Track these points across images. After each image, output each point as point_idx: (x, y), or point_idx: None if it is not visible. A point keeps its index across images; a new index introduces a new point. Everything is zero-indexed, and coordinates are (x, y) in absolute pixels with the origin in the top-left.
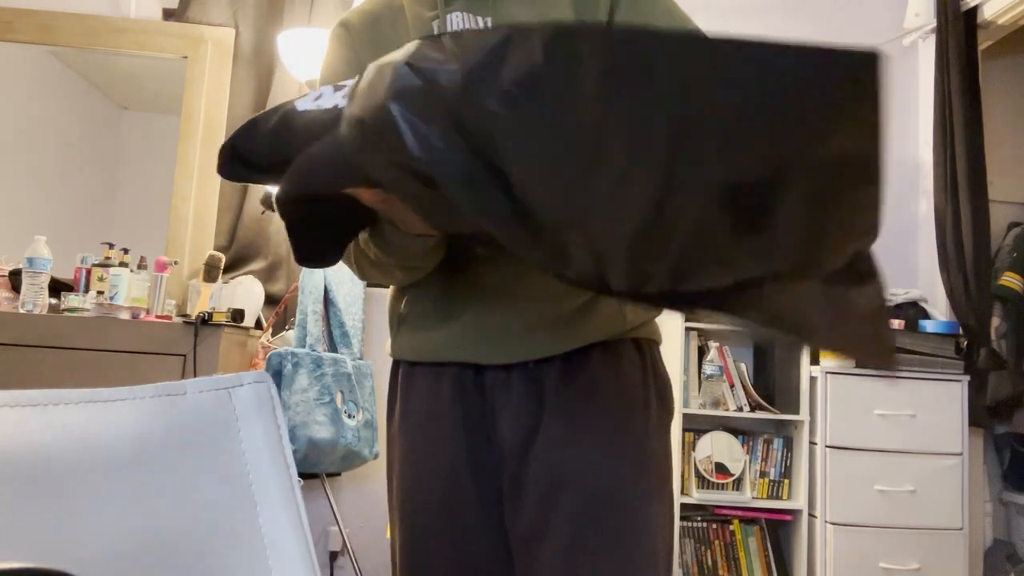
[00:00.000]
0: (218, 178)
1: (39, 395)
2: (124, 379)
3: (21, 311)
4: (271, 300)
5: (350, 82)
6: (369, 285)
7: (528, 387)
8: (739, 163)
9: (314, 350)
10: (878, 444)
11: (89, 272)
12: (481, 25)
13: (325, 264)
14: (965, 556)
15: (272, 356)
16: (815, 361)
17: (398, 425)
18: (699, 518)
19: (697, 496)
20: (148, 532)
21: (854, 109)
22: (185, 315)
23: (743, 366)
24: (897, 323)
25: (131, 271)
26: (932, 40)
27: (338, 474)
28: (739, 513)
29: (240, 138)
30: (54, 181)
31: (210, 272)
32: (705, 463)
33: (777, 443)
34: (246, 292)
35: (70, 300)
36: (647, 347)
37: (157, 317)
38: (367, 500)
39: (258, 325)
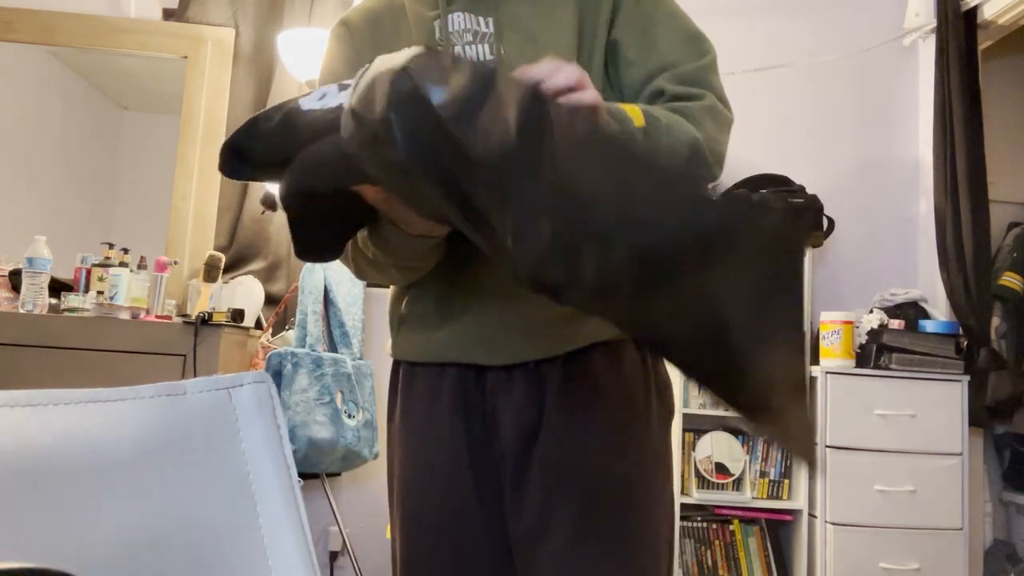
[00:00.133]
0: (218, 178)
1: (39, 395)
2: (124, 379)
3: (21, 311)
4: (271, 300)
5: (353, 81)
6: (369, 285)
7: (529, 387)
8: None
9: (314, 350)
10: (878, 444)
11: (89, 272)
12: (482, 25)
13: (325, 259)
14: (965, 556)
15: (272, 356)
16: (815, 361)
17: (399, 425)
18: (699, 518)
19: (697, 496)
20: (148, 532)
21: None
22: (185, 315)
23: None
24: (897, 323)
25: (131, 271)
26: (932, 40)
27: (338, 474)
28: (739, 513)
29: (242, 136)
30: (54, 181)
31: (210, 272)
32: (705, 463)
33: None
34: (246, 292)
35: (70, 300)
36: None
37: (157, 317)
38: (367, 500)
39: (258, 325)
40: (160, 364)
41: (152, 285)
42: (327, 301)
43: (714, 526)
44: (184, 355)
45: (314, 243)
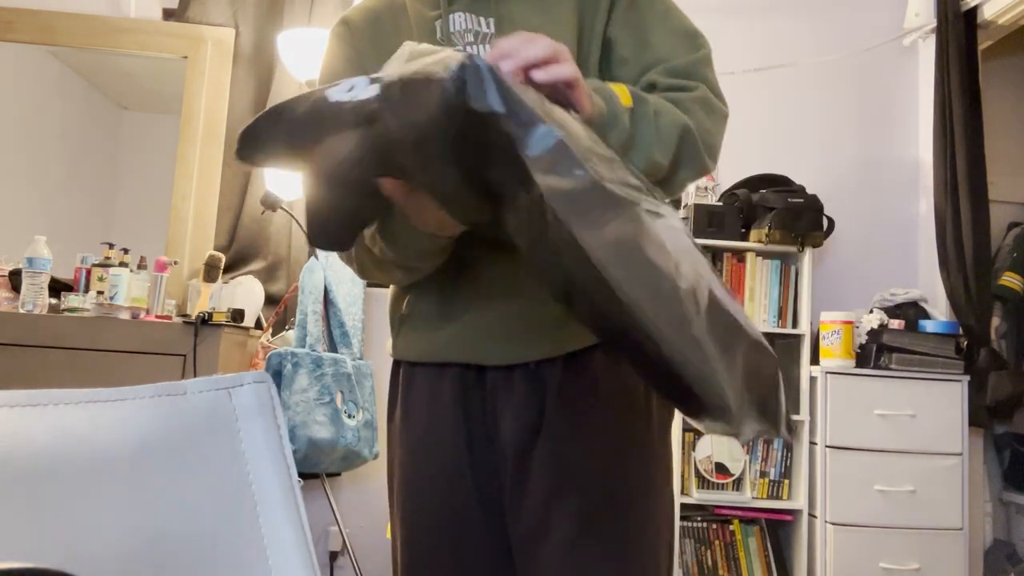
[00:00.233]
0: (218, 178)
1: (39, 395)
2: (124, 379)
3: (21, 311)
4: (271, 300)
5: (383, 75)
6: (369, 285)
7: (530, 388)
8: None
9: (314, 350)
10: (878, 444)
11: (89, 272)
12: (483, 25)
13: (337, 248)
14: (965, 556)
15: (272, 356)
16: (815, 361)
17: (399, 425)
18: (699, 518)
19: (697, 496)
20: (148, 532)
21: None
22: (185, 315)
23: None
24: (897, 323)
25: (131, 271)
26: (932, 40)
27: (338, 474)
28: (739, 513)
29: (264, 122)
30: (54, 181)
31: (210, 272)
32: (705, 463)
33: (777, 443)
34: (246, 292)
35: (70, 300)
36: None
37: (157, 317)
38: (367, 500)
39: (258, 325)
40: (160, 364)
41: (152, 285)
42: (327, 301)
43: (714, 526)
44: (184, 355)
45: (328, 232)
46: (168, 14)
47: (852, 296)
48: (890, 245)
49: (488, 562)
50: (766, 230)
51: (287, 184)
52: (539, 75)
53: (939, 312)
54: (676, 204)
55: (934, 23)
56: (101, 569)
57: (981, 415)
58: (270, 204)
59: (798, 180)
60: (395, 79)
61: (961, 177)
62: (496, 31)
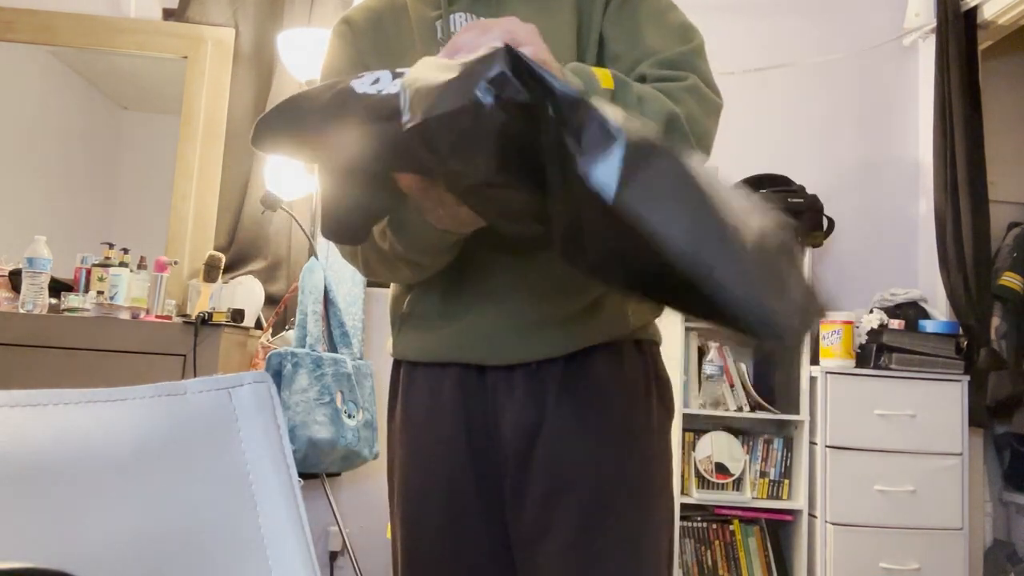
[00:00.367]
0: (218, 178)
1: (39, 395)
2: (124, 379)
3: (21, 311)
4: (271, 300)
5: (408, 70)
6: (370, 284)
7: (530, 388)
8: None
9: (314, 350)
10: (878, 444)
11: (89, 272)
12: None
13: (351, 241)
14: (965, 556)
15: (272, 356)
16: (815, 361)
17: (399, 425)
18: (699, 518)
19: (697, 496)
20: (148, 532)
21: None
22: (185, 315)
23: (743, 366)
24: (897, 323)
25: (131, 271)
26: (932, 40)
27: (338, 474)
28: (739, 513)
29: (284, 110)
30: (54, 181)
31: (210, 272)
32: (705, 463)
33: (777, 443)
34: (246, 292)
35: (70, 300)
36: (648, 348)
37: (157, 317)
38: (367, 500)
39: (258, 325)
40: (160, 364)
41: (152, 285)
42: (327, 301)
43: (714, 526)
44: (184, 355)
45: (341, 225)
46: (168, 14)
47: (852, 296)
48: (890, 245)
49: (488, 562)
50: None
51: (287, 184)
52: None
53: (939, 312)
54: None
55: (934, 23)
56: (101, 569)
57: (981, 415)
58: (270, 204)
59: (798, 180)
60: (430, 115)
61: (961, 177)
62: None
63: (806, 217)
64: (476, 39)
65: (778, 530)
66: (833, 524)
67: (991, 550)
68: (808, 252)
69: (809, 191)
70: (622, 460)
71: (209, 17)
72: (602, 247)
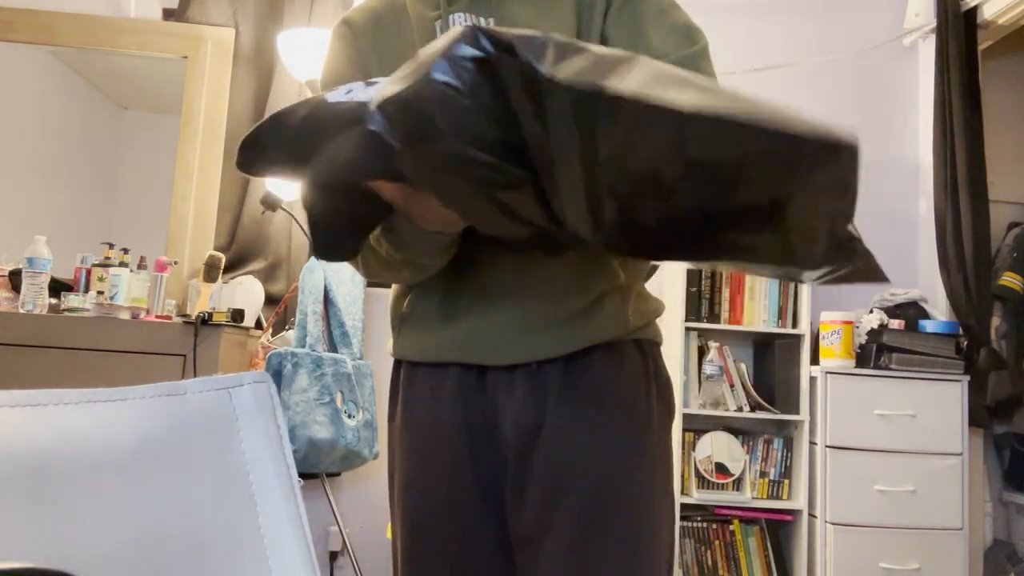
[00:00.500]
0: (218, 178)
1: (39, 395)
2: (124, 379)
3: (21, 311)
4: (271, 300)
5: (383, 79)
6: (370, 284)
7: (530, 388)
8: (706, 209)
9: (314, 350)
10: (878, 444)
11: (89, 272)
12: (483, 25)
13: (343, 258)
14: (965, 556)
15: (272, 356)
16: (815, 361)
17: (399, 425)
18: (699, 518)
19: (697, 496)
20: (148, 532)
21: (827, 190)
22: (185, 315)
23: (743, 366)
24: (897, 323)
25: (131, 271)
26: (932, 40)
27: (338, 474)
28: (739, 513)
29: (264, 131)
30: (54, 181)
31: (210, 272)
32: (705, 463)
33: (777, 443)
34: (246, 292)
35: (70, 300)
36: (648, 348)
37: (157, 317)
38: (367, 500)
39: (258, 325)
40: (160, 364)
41: (152, 285)
42: (327, 301)
43: (714, 526)
44: (184, 355)
45: (333, 241)
46: (168, 14)
47: (852, 296)
48: (890, 245)
49: (488, 562)
50: None
51: (287, 184)
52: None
53: (939, 312)
54: None
55: (934, 23)
56: (101, 569)
57: (981, 415)
58: (270, 204)
59: None
60: (392, 100)
61: (961, 177)
62: None
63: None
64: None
65: (778, 530)
66: (833, 524)
67: (991, 550)
68: None
69: None
70: (622, 460)
71: (209, 17)
72: (624, 191)
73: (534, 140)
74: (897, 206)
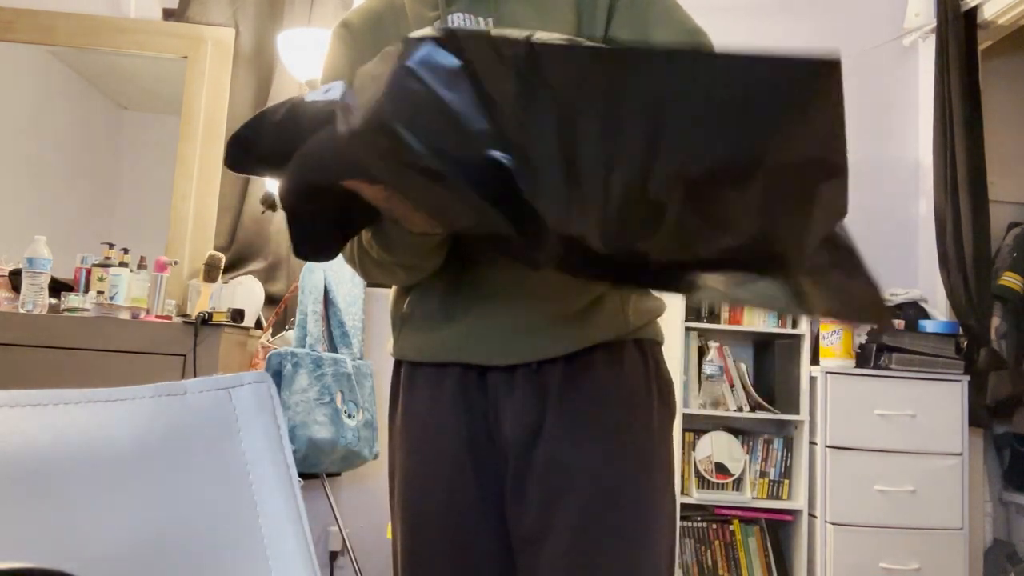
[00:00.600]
0: (218, 178)
1: (39, 395)
2: (124, 379)
3: (21, 311)
4: (271, 300)
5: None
6: (369, 285)
7: (531, 388)
8: (706, 160)
9: (314, 350)
10: (878, 444)
11: (89, 272)
12: (482, 25)
13: (322, 258)
14: (965, 556)
15: (272, 356)
16: (815, 361)
17: (400, 425)
18: (699, 518)
19: (697, 496)
20: (148, 532)
21: (816, 110)
22: (185, 315)
23: (743, 366)
24: (897, 323)
25: (131, 271)
26: (932, 40)
27: (338, 474)
28: (739, 513)
29: (248, 130)
30: (54, 181)
31: (210, 272)
32: (705, 463)
33: (777, 443)
34: (246, 292)
35: (70, 300)
36: (649, 348)
37: (157, 317)
38: (367, 500)
39: (258, 325)
40: (160, 364)
41: (152, 285)
42: (327, 301)
43: (714, 526)
44: (184, 355)
45: (312, 242)
46: (168, 14)
47: None
48: (890, 245)
49: (489, 562)
50: None
51: None
52: None
53: (939, 312)
54: None
55: (934, 23)
56: (101, 569)
57: (981, 415)
58: (270, 204)
59: None
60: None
61: (961, 177)
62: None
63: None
64: None
65: (778, 530)
66: (833, 524)
67: (991, 550)
68: None
69: None
70: (623, 460)
71: (209, 17)
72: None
73: (513, 124)
74: (897, 206)
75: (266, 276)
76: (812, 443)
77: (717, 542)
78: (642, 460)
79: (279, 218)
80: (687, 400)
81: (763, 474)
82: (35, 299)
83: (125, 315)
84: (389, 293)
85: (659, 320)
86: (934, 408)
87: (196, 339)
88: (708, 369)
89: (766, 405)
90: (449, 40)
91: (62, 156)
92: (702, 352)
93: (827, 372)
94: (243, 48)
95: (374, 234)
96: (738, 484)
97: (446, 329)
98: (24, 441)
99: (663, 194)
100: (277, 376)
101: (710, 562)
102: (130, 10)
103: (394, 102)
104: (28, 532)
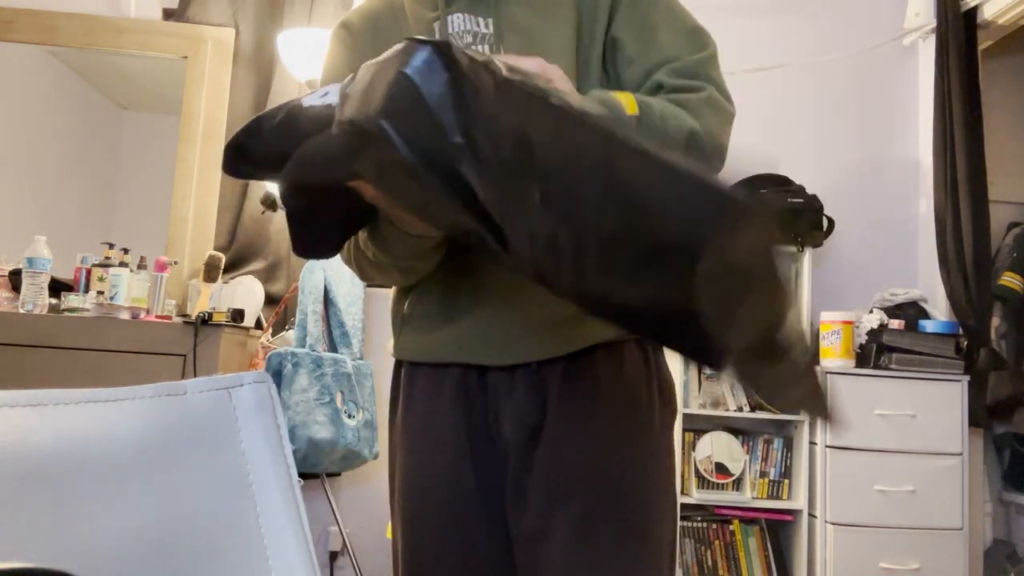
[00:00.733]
0: (218, 178)
1: (39, 395)
2: (124, 379)
3: (21, 311)
4: (271, 300)
5: (342, 86)
6: (370, 285)
7: (531, 388)
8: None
9: (314, 350)
10: (878, 444)
11: (89, 272)
12: (482, 26)
13: (322, 256)
14: (965, 556)
15: (272, 356)
16: (815, 361)
17: (400, 425)
18: (699, 518)
19: (697, 496)
20: (148, 532)
21: (741, 249)
22: (185, 315)
23: None
24: (897, 323)
25: (131, 271)
26: (932, 40)
27: (338, 474)
28: (739, 513)
29: (246, 134)
30: (54, 181)
31: (210, 272)
32: (705, 463)
33: (777, 443)
34: (246, 292)
35: (70, 300)
36: (650, 348)
37: (157, 317)
38: (367, 500)
39: (258, 325)
40: (160, 364)
41: (152, 285)
42: (327, 301)
43: (714, 526)
44: (184, 355)
45: (312, 240)
46: (168, 14)
47: (852, 296)
48: (890, 245)
49: (489, 562)
50: None
51: None
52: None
53: (939, 312)
54: None
55: (934, 23)
56: (101, 569)
57: (981, 415)
58: (270, 204)
59: (798, 180)
60: (351, 81)
61: (961, 177)
62: (495, 32)
63: (806, 217)
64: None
65: (778, 530)
66: (833, 524)
67: (991, 550)
68: (808, 252)
69: (809, 191)
70: (623, 460)
71: (209, 17)
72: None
73: (487, 145)
74: (897, 206)
75: (266, 276)
76: (812, 443)
77: (717, 542)
78: (642, 460)
79: (279, 218)
80: (687, 400)
81: (763, 474)
82: (35, 299)
83: (125, 315)
84: (389, 293)
85: None
86: (934, 408)
87: (196, 339)
88: (708, 369)
89: (766, 405)
90: (445, 51)
91: (62, 156)
92: None
93: (827, 372)
94: (243, 48)
95: (370, 235)
96: (738, 484)
97: (446, 329)
98: (24, 441)
99: (593, 247)
100: (277, 376)
101: (710, 562)
102: (130, 10)
103: (388, 100)
104: (28, 532)
